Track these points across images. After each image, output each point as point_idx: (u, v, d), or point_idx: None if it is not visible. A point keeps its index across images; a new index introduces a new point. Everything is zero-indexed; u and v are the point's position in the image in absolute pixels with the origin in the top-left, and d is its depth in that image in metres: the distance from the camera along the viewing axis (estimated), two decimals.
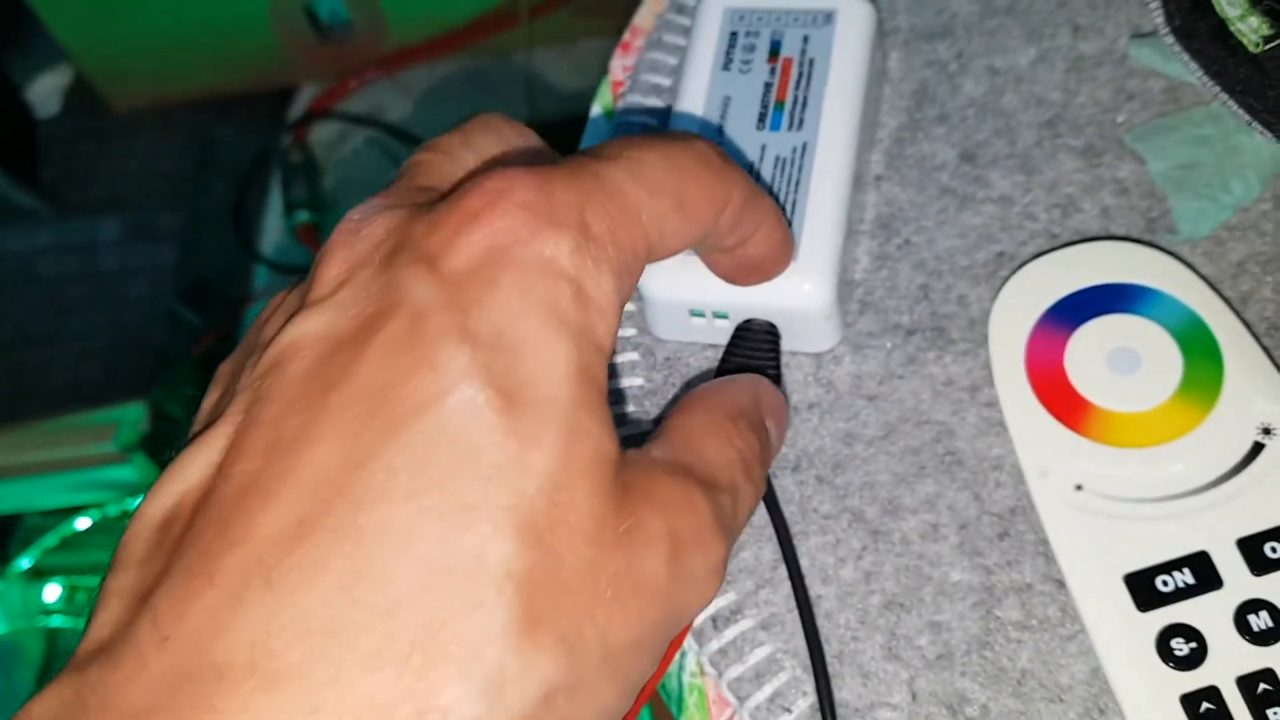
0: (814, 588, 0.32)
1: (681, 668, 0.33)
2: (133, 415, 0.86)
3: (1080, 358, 0.32)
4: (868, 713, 0.31)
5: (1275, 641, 0.28)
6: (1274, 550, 0.29)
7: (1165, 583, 0.29)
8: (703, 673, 0.33)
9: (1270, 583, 0.28)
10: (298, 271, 0.95)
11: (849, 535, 0.33)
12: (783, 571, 0.33)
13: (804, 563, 0.33)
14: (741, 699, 0.32)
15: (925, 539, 0.32)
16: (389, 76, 1.03)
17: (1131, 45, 0.38)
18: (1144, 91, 0.37)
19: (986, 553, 0.32)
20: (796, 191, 0.34)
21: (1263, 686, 0.27)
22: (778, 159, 0.35)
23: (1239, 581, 0.29)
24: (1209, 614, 0.28)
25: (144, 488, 0.84)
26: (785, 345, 0.35)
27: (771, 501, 0.33)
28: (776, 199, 0.34)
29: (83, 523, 0.82)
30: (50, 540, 0.81)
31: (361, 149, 1.01)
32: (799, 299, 0.34)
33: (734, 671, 0.32)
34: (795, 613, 0.32)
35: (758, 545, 0.33)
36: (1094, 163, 0.37)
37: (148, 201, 1.03)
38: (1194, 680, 0.28)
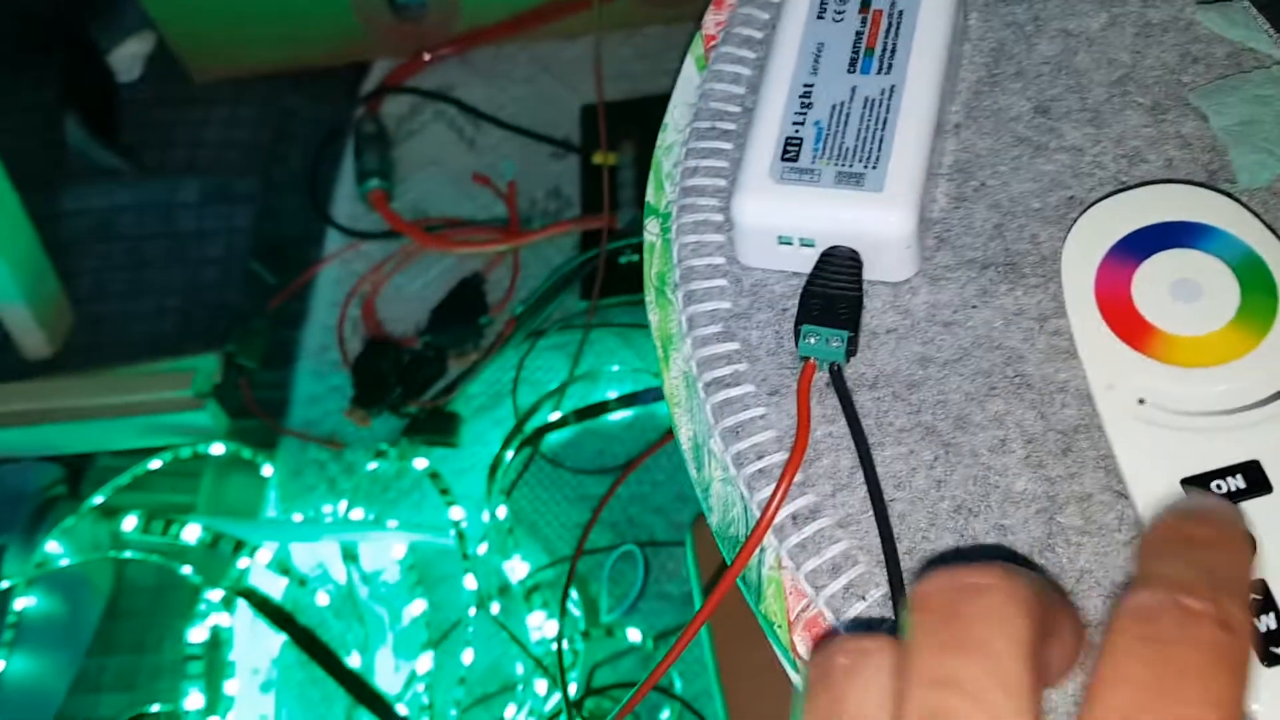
0: (888, 493, 0.35)
1: (761, 562, 0.36)
2: (208, 365, 0.90)
3: (1146, 286, 0.35)
4: None
5: None
6: None
7: (1219, 486, 0.31)
8: (780, 567, 0.35)
9: None
10: (368, 237, 0.99)
11: (921, 447, 0.36)
12: (859, 477, 0.35)
13: (879, 471, 0.35)
14: (818, 589, 0.34)
15: (993, 452, 0.35)
16: (460, 55, 1.07)
17: (1199, 10, 0.40)
18: (1208, 56, 0.40)
19: (1050, 465, 0.35)
20: (884, 129, 0.37)
21: None
22: (867, 99, 0.38)
23: None
24: (1259, 515, 0.31)
25: (216, 433, 0.88)
26: (866, 275, 0.38)
27: (850, 413, 0.36)
28: (868, 136, 0.37)
29: (155, 464, 0.86)
30: (123, 479, 0.85)
31: (430, 122, 1.04)
32: (884, 227, 0.36)
33: (811, 564, 0.35)
34: (870, 514, 0.35)
35: (836, 454, 0.36)
36: (1160, 119, 0.39)
37: (225, 167, 1.08)
38: None
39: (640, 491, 0.84)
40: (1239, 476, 0.31)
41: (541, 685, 0.77)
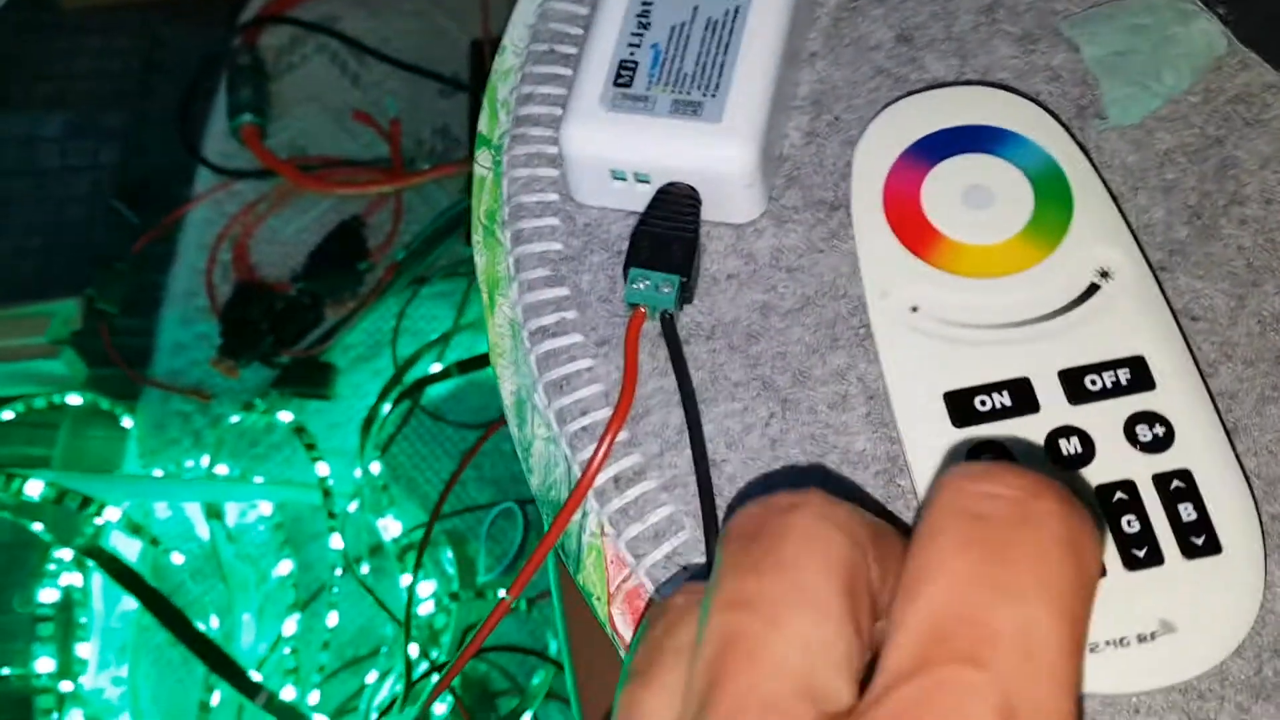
0: (719, 452, 0.32)
1: (582, 528, 0.33)
2: (66, 310, 0.84)
3: (936, 191, 0.32)
4: None
5: (1081, 466, 0.28)
6: (1094, 383, 0.29)
7: (984, 403, 0.29)
8: (603, 533, 0.32)
9: (1084, 412, 0.29)
10: (241, 175, 0.93)
11: (757, 403, 0.33)
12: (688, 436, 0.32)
13: (710, 428, 0.32)
14: (638, 557, 0.31)
15: (834, 409, 0.32)
16: None
17: None
18: None
19: (893, 425, 0.32)
20: (725, 54, 0.34)
21: None
22: (710, 21, 0.34)
23: (1055, 408, 0.29)
24: (1021, 435, 0.29)
25: (73, 382, 0.83)
26: (708, 215, 0.34)
27: (680, 366, 0.33)
28: (709, 61, 0.34)
29: (7, 415, 0.81)
30: None
31: (311, 55, 0.99)
32: (722, 163, 0.33)
33: (632, 530, 0.32)
34: None
35: (666, 410, 0.33)
36: (1029, 49, 0.36)
37: (93, 100, 1.01)
38: None
39: None
40: (1005, 394, 0.30)
41: (414, 648, 0.74)
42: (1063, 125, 0.33)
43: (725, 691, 0.20)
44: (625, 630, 0.32)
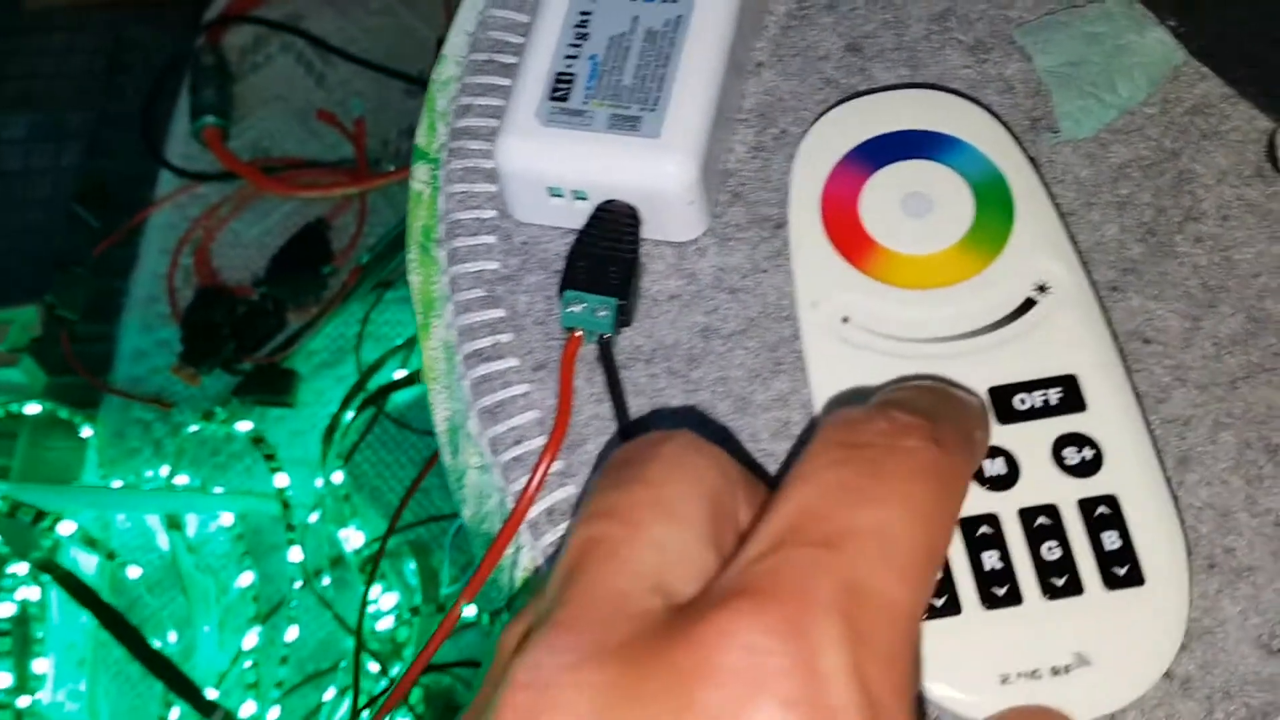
0: None
1: (515, 563, 0.32)
2: (25, 317, 0.83)
3: (875, 198, 0.31)
4: None
5: (1006, 488, 0.27)
6: (1022, 402, 0.28)
7: None
8: (536, 569, 0.31)
9: (1012, 432, 0.28)
10: (204, 178, 0.92)
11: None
12: None
13: None
14: None
15: (775, 436, 0.31)
16: None
17: None
18: None
19: None
20: (666, 66, 0.32)
21: (983, 529, 0.27)
22: (650, 31, 0.33)
23: None
24: None
25: (32, 391, 0.81)
26: (649, 233, 0.33)
27: (616, 393, 0.31)
28: (648, 74, 0.32)
29: None
30: None
31: (276, 55, 0.97)
32: (660, 180, 0.32)
33: None
34: None
35: (603, 439, 0.32)
36: (981, 59, 0.35)
37: (56, 101, 0.99)
38: None
39: None
40: None
41: (374, 665, 0.72)
42: (1009, 130, 0.32)
43: (578, 588, 0.21)
44: None
